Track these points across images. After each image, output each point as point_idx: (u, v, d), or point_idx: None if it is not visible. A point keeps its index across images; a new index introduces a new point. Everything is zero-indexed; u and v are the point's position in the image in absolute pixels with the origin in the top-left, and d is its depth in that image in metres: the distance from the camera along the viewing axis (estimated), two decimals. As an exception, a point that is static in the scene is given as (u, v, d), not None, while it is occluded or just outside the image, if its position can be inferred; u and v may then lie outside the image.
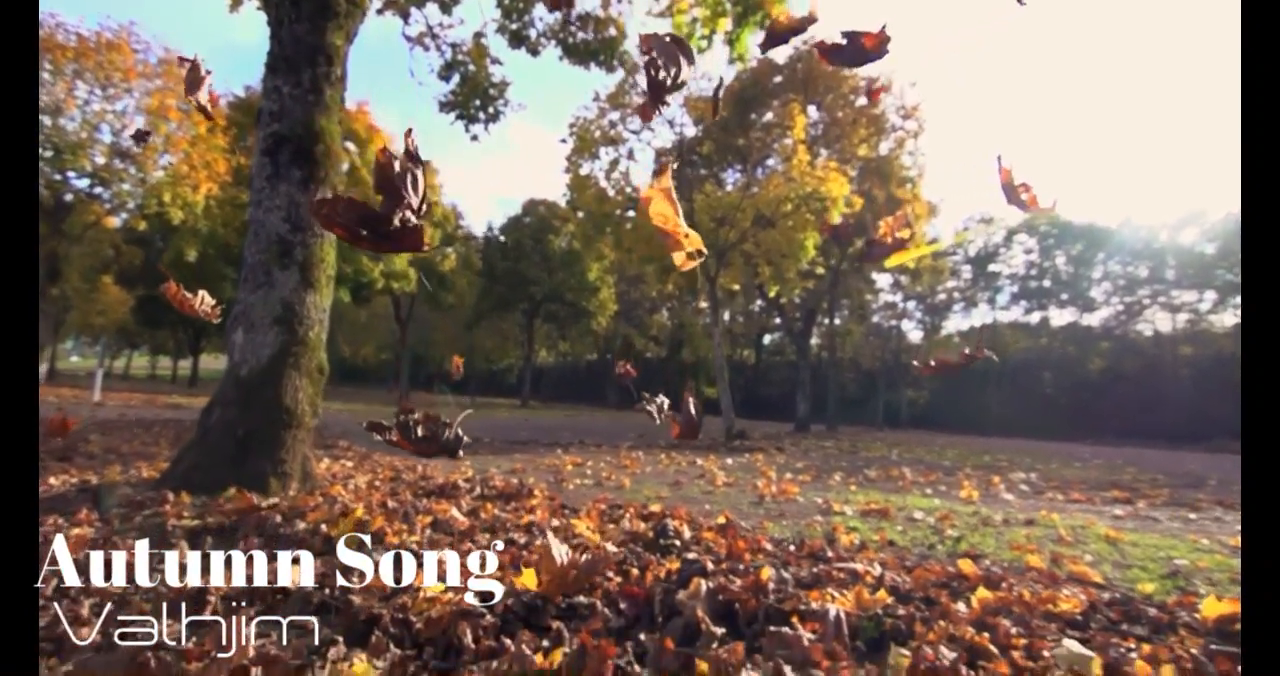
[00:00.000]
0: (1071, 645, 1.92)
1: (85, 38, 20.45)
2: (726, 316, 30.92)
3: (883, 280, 26.97)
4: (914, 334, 32.33)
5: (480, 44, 9.54)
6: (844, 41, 1.55)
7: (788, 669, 1.54)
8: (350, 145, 22.74)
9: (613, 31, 8.82)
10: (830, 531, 3.82)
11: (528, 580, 1.28)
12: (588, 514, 3.67)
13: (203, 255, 22.64)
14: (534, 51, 8.99)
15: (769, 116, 14.49)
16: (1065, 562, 3.29)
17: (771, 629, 1.77)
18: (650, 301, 35.01)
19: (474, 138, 10.24)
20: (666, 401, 2.16)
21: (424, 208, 1.22)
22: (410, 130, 1.15)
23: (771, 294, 13.90)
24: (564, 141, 14.18)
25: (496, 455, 8.30)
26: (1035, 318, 30.31)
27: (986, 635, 1.86)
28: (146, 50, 21.48)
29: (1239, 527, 4.86)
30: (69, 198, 22.71)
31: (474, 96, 9.58)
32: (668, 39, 1.16)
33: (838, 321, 24.68)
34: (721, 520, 3.58)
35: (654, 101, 1.14)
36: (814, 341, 23.15)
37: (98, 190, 23.07)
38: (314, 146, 4.05)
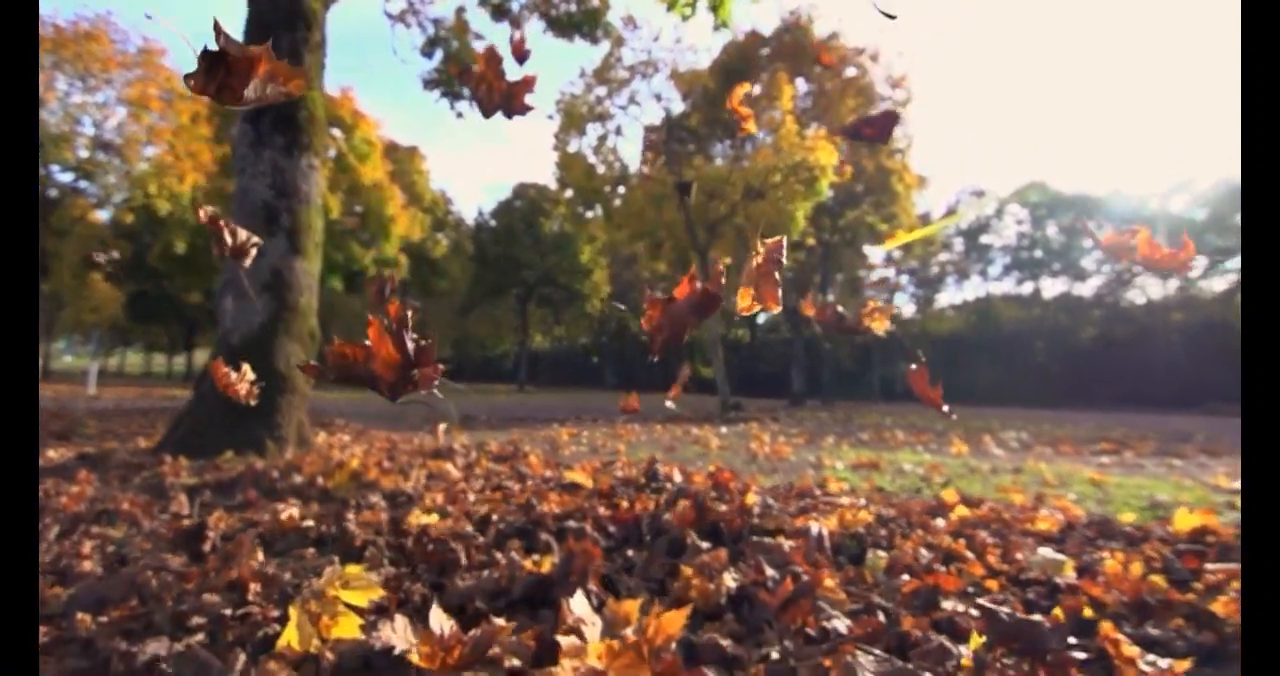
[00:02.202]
0: (1046, 552, 1.99)
1: (62, 28, 20.13)
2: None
3: (875, 255, 26.98)
4: (908, 308, 32.43)
5: (462, 19, 9.46)
6: (861, 125, 1.60)
7: (768, 568, 1.60)
8: (336, 131, 22.52)
9: (595, 1, 8.74)
10: (821, 481, 3.89)
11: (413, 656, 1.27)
12: (581, 467, 3.73)
13: (192, 247, 22.47)
14: (516, 24, 8.92)
15: (757, 89, 14.39)
16: (1049, 500, 3.37)
17: (755, 539, 1.83)
18: (644, 282, 34.96)
19: (459, 115, 10.20)
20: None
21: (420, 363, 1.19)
22: (404, 306, 1.13)
23: (763, 267, 13.88)
24: (551, 117, 14.10)
25: (493, 430, 8.36)
26: (1028, 288, 30.42)
27: (963, 541, 1.93)
28: (125, 40, 21.19)
29: (1222, 470, 4.96)
30: (53, 193, 22.49)
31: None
32: (700, 289, 1.14)
33: (831, 296, 24.74)
34: (712, 468, 3.65)
35: (665, 345, 1.13)
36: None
37: (82, 184, 22.87)
38: (296, 112, 4.04)
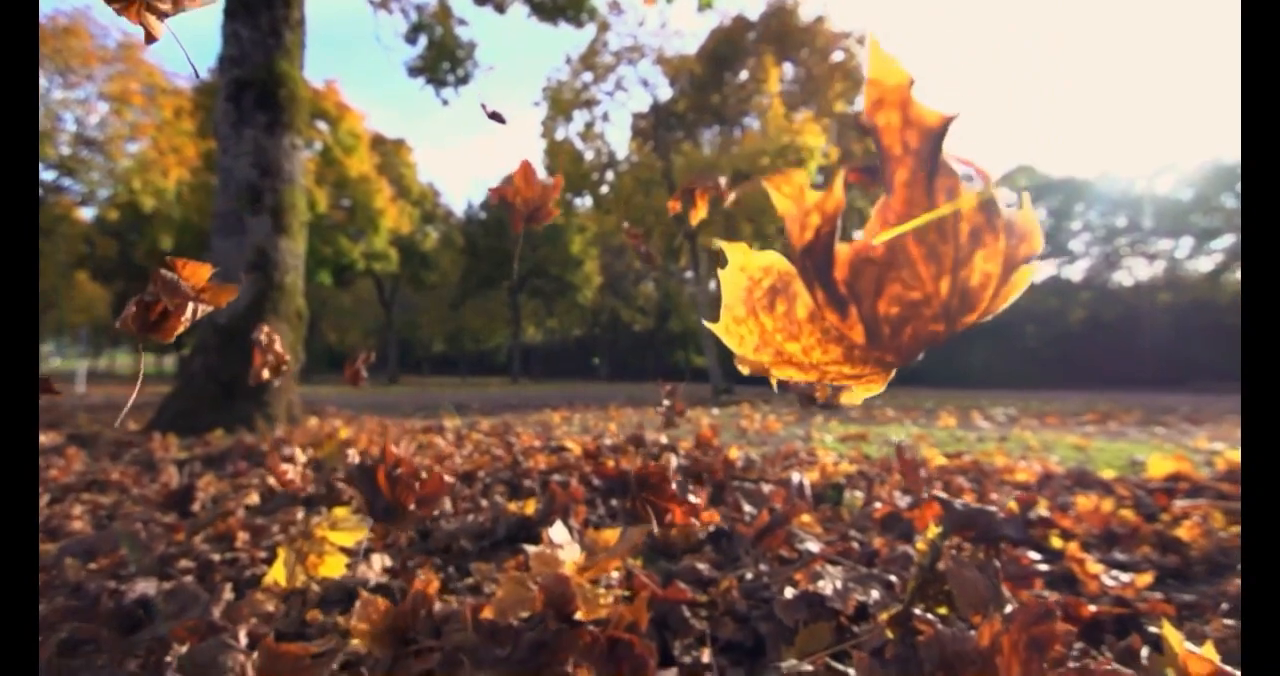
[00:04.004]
0: (1020, 495, 2.03)
1: (41, 23, 19.85)
2: (713, 285, 30.93)
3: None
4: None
5: (445, 4, 9.40)
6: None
7: (746, 506, 1.63)
8: (322, 124, 22.35)
9: (579, -15, 8.71)
10: (809, 450, 3.94)
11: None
12: (571, 440, 3.76)
13: (178, 243, 22.30)
14: (500, 8, 8.87)
15: (744, 75, 14.38)
16: (1033, 461, 3.43)
17: (736, 483, 1.87)
18: (635, 272, 34.95)
19: (445, 102, 10.16)
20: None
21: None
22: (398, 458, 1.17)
23: (753, 252, 13.92)
24: (537, 104, 14.05)
25: (485, 415, 8.38)
26: (1017, 272, 30.58)
27: (939, 484, 1.97)
28: (105, 34, 20.94)
29: (1202, 435, 5.04)
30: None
31: (442, 59, 9.47)
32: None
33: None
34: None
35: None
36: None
37: (65, 182, 22.65)
38: (277, 90, 4.03)
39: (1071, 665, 0.68)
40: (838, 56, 15.94)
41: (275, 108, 4.03)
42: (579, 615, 1.05)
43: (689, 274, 23.32)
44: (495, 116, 1.41)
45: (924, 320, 0.38)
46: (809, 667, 0.82)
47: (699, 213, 1.56)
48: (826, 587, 1.02)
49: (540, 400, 13.40)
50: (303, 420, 4.32)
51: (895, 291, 0.37)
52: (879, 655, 0.88)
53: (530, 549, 1.14)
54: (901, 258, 0.36)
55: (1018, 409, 8.95)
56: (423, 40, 9.47)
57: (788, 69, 15.60)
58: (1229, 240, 24.93)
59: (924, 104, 0.36)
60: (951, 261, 0.36)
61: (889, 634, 0.86)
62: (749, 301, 0.41)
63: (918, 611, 0.84)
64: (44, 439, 4.36)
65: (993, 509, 0.89)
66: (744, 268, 0.41)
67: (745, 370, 0.47)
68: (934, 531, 0.90)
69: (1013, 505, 1.07)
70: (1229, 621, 1.14)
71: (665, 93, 14.30)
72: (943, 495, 1.00)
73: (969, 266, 0.36)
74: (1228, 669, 0.78)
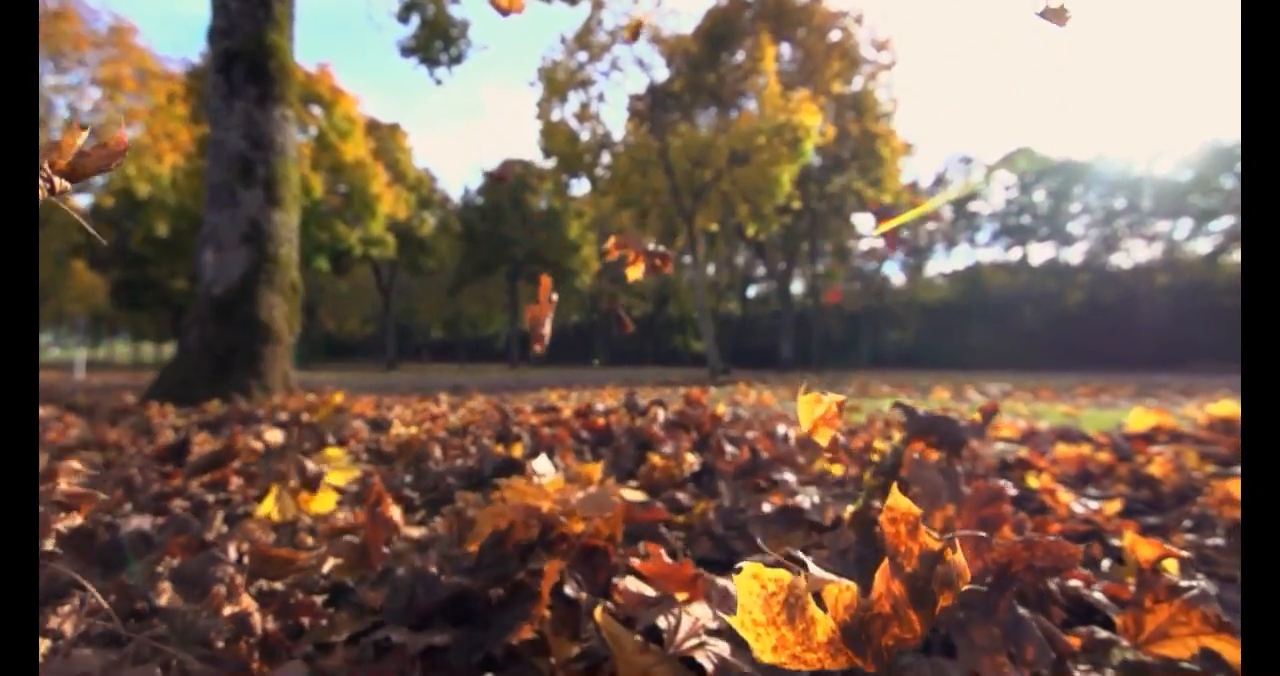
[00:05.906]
0: (1002, 445, 2.07)
1: (29, 8, 19.61)
2: (711, 269, 30.93)
3: (863, 223, 26.99)
4: (897, 277, 32.57)
5: (437, -18, 9.31)
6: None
7: (728, 446, 1.66)
8: (316, 109, 22.20)
9: (572, -40, 8.62)
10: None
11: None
12: (565, 405, 3.80)
13: (174, 229, 22.23)
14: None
15: (740, 54, 14.27)
16: (1019, 420, 3.47)
17: (721, 432, 1.90)
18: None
19: (439, 82, 10.11)
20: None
21: None
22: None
23: (750, 232, 13.93)
24: (532, 85, 13.95)
25: (483, 394, 8.42)
26: (1016, 254, 30.57)
27: (921, 432, 2.01)
28: (95, 19, 20.74)
29: (1193, 405, 5.08)
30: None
31: (435, 38, 9.40)
32: None
33: (820, 267, 24.80)
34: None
35: None
36: (797, 286, 23.27)
37: (59, 168, 22.50)
38: (267, 62, 4.01)
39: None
40: (835, 36, 15.81)
41: (266, 80, 4.02)
42: (557, 532, 1.08)
43: (687, 258, 23.27)
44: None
45: (908, 642, 0.52)
46: (775, 556, 0.86)
47: (634, 272, 1.59)
48: (805, 502, 1.05)
49: (538, 382, 13.44)
50: (297, 389, 4.35)
51: (895, 632, 0.51)
52: (844, 555, 0.91)
53: (501, 484, 1.17)
54: (901, 616, 0.50)
55: (1012, 384, 9.01)
56: (415, 19, 9.39)
57: (784, 48, 15.48)
58: (1228, 221, 24.86)
59: (929, 533, 0.51)
60: (930, 613, 0.52)
61: (850, 535, 0.89)
62: (767, 611, 0.49)
63: (877, 504, 0.88)
64: (42, 411, 4.40)
65: (954, 416, 0.92)
66: (757, 576, 0.49)
67: (764, 660, 0.54)
68: (897, 436, 0.93)
69: (976, 415, 1.10)
70: (1190, 536, 1.17)
71: (661, 73, 14.21)
72: (904, 403, 1.03)
73: (936, 606, 0.51)
74: (1174, 550, 0.81)
